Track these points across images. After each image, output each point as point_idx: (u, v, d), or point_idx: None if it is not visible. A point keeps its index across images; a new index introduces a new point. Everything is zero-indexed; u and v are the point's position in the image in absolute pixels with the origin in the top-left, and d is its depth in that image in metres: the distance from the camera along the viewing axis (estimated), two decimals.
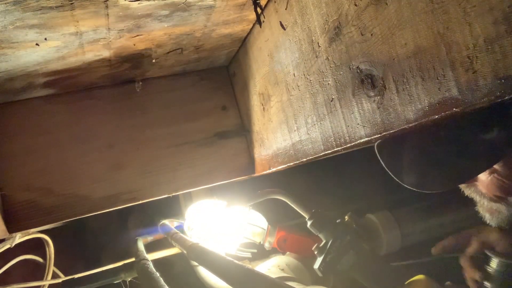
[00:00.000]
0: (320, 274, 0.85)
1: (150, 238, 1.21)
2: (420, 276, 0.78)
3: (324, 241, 0.88)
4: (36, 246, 1.11)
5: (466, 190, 0.75)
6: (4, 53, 0.76)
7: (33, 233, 1.04)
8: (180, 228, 1.16)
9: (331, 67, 0.64)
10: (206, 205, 1.10)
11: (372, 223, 1.05)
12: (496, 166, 0.66)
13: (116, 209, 1.05)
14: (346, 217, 0.96)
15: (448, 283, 0.81)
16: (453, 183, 0.67)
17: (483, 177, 0.69)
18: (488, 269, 0.77)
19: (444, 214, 1.08)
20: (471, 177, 0.69)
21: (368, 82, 0.56)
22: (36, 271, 1.12)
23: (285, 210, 1.06)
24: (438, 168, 0.66)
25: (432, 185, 0.67)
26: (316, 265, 0.86)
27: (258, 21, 0.85)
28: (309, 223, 0.90)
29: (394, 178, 0.68)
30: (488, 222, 0.75)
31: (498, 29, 0.37)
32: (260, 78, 0.95)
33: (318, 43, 0.67)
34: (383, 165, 0.70)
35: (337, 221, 0.92)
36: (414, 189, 0.67)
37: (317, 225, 0.89)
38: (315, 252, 0.88)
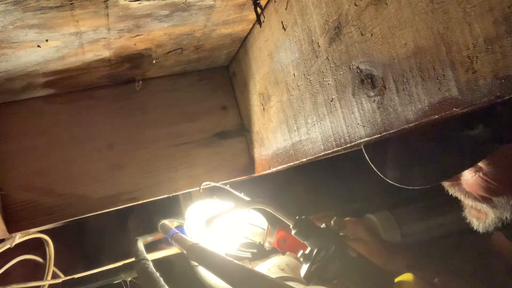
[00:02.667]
0: (306, 282, 0.85)
1: (150, 238, 1.21)
2: (408, 276, 0.77)
3: (309, 249, 0.87)
4: (36, 246, 1.11)
5: (451, 189, 0.74)
6: (4, 53, 0.76)
7: (33, 233, 1.04)
8: (180, 228, 1.16)
9: (331, 67, 0.64)
10: (206, 205, 1.10)
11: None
12: (481, 165, 0.64)
13: (116, 209, 1.05)
14: (332, 222, 0.94)
15: (436, 280, 0.79)
16: (437, 180, 0.66)
17: (468, 175, 0.67)
18: None
19: (444, 214, 1.07)
20: (454, 174, 0.67)
21: (368, 82, 0.56)
22: (36, 271, 1.12)
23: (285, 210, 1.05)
24: (422, 163, 0.65)
25: (415, 181, 0.65)
26: (302, 273, 0.86)
27: (258, 21, 0.85)
28: (293, 231, 0.89)
29: (378, 173, 0.67)
30: (475, 227, 0.73)
31: (498, 29, 0.37)
32: (260, 78, 0.95)
33: (318, 43, 0.67)
34: (367, 159, 0.68)
35: (322, 226, 0.90)
36: (397, 185, 0.65)
37: (302, 234, 0.87)
38: (301, 260, 0.87)
